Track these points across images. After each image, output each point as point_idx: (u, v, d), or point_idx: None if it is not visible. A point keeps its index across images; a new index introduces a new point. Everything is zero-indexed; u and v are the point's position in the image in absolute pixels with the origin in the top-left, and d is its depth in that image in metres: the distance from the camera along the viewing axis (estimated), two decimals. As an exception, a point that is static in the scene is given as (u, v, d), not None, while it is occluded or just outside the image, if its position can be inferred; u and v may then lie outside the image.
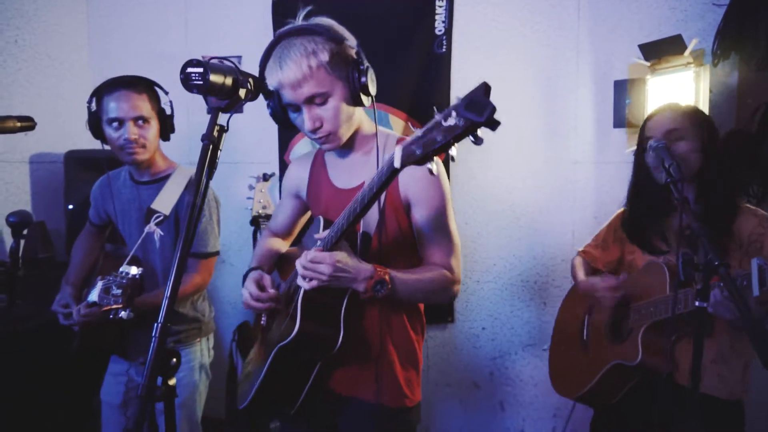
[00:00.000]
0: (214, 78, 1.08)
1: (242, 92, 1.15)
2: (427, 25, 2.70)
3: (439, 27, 2.70)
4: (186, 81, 1.07)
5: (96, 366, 2.12)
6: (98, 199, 2.08)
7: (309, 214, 1.74)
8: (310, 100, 1.31)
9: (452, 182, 2.64)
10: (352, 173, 1.47)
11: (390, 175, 1.06)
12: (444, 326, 2.87)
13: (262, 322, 1.64)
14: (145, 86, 1.87)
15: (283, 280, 1.61)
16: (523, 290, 2.79)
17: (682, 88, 2.21)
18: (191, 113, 2.89)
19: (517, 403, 2.85)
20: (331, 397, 1.49)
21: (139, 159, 1.87)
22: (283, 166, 2.88)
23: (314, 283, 1.23)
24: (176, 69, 1.09)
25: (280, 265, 1.70)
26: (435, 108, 0.96)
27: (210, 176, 1.08)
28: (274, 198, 2.39)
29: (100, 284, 1.66)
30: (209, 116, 1.12)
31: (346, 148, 1.45)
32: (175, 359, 1.03)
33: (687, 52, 2.17)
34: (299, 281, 1.25)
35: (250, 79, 1.18)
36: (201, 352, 2.05)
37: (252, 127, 2.80)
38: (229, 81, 1.12)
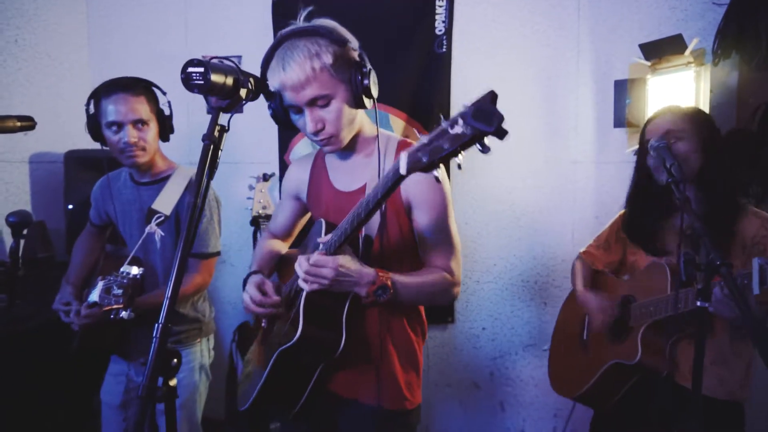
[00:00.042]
0: (215, 78, 1.08)
1: (243, 92, 1.15)
2: (427, 25, 2.70)
3: (440, 27, 2.70)
4: (187, 81, 1.07)
5: (96, 366, 2.12)
6: (99, 199, 2.08)
7: (308, 215, 1.73)
8: (313, 102, 1.31)
9: (452, 182, 2.64)
10: (353, 176, 1.47)
11: (396, 182, 1.06)
12: (444, 326, 2.87)
13: (262, 325, 1.64)
14: (143, 88, 1.87)
15: (283, 281, 1.61)
16: (523, 290, 2.79)
17: (682, 87, 2.21)
18: (191, 113, 2.89)
19: (517, 404, 2.85)
20: (332, 399, 1.49)
21: (139, 162, 1.87)
22: (283, 166, 2.88)
23: (315, 286, 1.23)
24: (176, 69, 1.09)
25: (280, 267, 1.70)
26: (441, 116, 0.95)
27: (211, 176, 1.08)
28: (274, 198, 2.38)
29: (100, 284, 1.66)
30: (209, 116, 1.11)
31: (347, 150, 1.44)
32: (175, 360, 1.03)
33: (687, 52, 2.17)
34: (301, 284, 1.25)
35: (251, 79, 1.18)
36: (201, 352, 2.05)
37: (252, 128, 2.79)
38: (230, 81, 1.12)
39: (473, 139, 0.87)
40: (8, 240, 2.29)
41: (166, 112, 1.93)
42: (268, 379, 1.42)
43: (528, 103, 2.68)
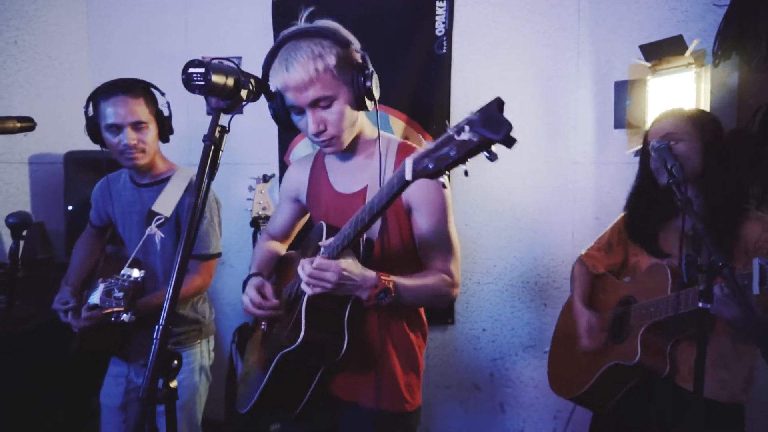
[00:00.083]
0: (216, 78, 1.08)
1: (244, 93, 1.15)
2: (427, 26, 2.70)
3: (440, 28, 2.70)
4: (188, 81, 1.07)
5: (95, 367, 2.11)
6: (99, 201, 2.08)
7: (307, 217, 1.73)
8: (315, 104, 1.30)
9: (452, 183, 2.64)
10: (353, 178, 1.47)
11: (401, 188, 1.05)
12: (444, 328, 2.87)
13: (262, 327, 1.64)
14: (142, 89, 1.86)
15: (282, 283, 1.60)
16: (523, 291, 2.79)
17: (682, 89, 2.21)
18: (191, 114, 2.88)
19: (517, 405, 2.85)
20: (332, 402, 1.49)
21: (139, 163, 1.87)
22: (283, 167, 2.88)
23: (318, 290, 1.23)
24: (176, 69, 1.09)
25: (279, 268, 1.70)
26: (447, 122, 0.95)
27: (211, 177, 1.08)
28: (274, 199, 2.38)
29: (101, 287, 1.66)
30: (209, 117, 1.11)
31: (348, 152, 1.44)
32: (176, 361, 1.03)
33: (688, 53, 2.17)
34: (304, 287, 1.24)
35: (252, 80, 1.17)
36: (201, 354, 2.04)
37: (252, 129, 2.79)
38: (230, 81, 1.12)
39: (480, 146, 0.87)
40: (8, 241, 2.29)
41: (166, 113, 1.93)
42: (269, 382, 1.42)
43: (528, 103, 2.68)
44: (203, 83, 1.07)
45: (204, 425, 2.10)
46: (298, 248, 1.70)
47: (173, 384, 1.03)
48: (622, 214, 1.88)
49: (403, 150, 1.44)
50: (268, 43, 1.35)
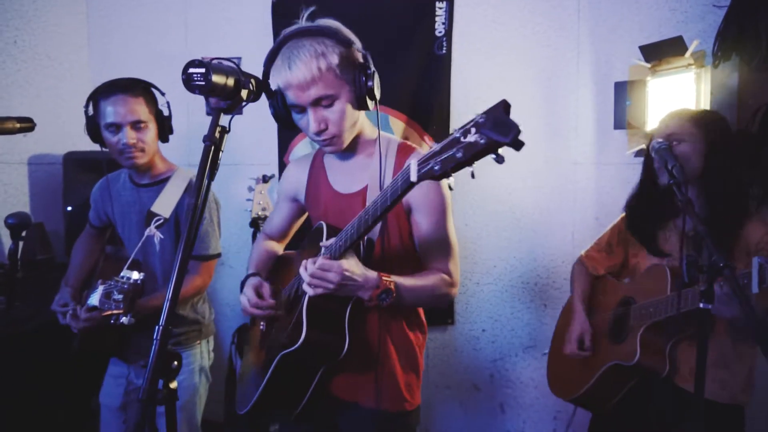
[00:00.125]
0: (217, 78, 1.07)
1: (244, 93, 1.14)
2: (427, 27, 2.70)
3: (439, 28, 2.70)
4: (188, 81, 1.07)
5: (95, 367, 2.11)
6: (98, 201, 2.07)
7: (304, 217, 1.73)
8: (317, 102, 1.30)
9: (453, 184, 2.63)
10: (352, 177, 1.47)
11: (406, 189, 1.05)
12: (444, 328, 2.86)
13: (261, 327, 1.63)
14: (142, 89, 1.86)
15: (281, 283, 1.60)
16: (523, 292, 2.79)
17: (682, 89, 2.21)
18: (191, 114, 2.88)
19: (517, 406, 2.84)
20: (332, 402, 1.49)
21: (138, 163, 1.87)
22: (283, 167, 2.87)
23: (320, 290, 1.22)
24: (176, 70, 1.09)
25: (277, 268, 1.69)
26: (449, 125, 0.95)
27: (212, 178, 1.08)
28: (273, 200, 2.38)
29: (101, 288, 1.66)
30: (209, 117, 1.11)
31: (347, 151, 1.44)
32: (176, 362, 1.02)
33: (688, 54, 2.17)
34: (305, 288, 1.24)
35: (252, 80, 1.17)
36: (201, 354, 2.04)
37: (251, 129, 2.79)
38: (231, 82, 1.11)
39: (487, 149, 0.87)
40: (7, 242, 2.29)
41: (165, 112, 1.92)
42: (269, 382, 1.42)
43: (528, 103, 2.68)
44: (203, 83, 1.06)
45: (203, 426, 2.10)
46: (295, 248, 1.70)
47: (173, 385, 1.03)
48: (621, 215, 1.88)
49: (403, 150, 1.44)
50: (268, 43, 1.35)
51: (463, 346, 2.87)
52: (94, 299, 1.67)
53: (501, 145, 0.85)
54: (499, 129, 0.84)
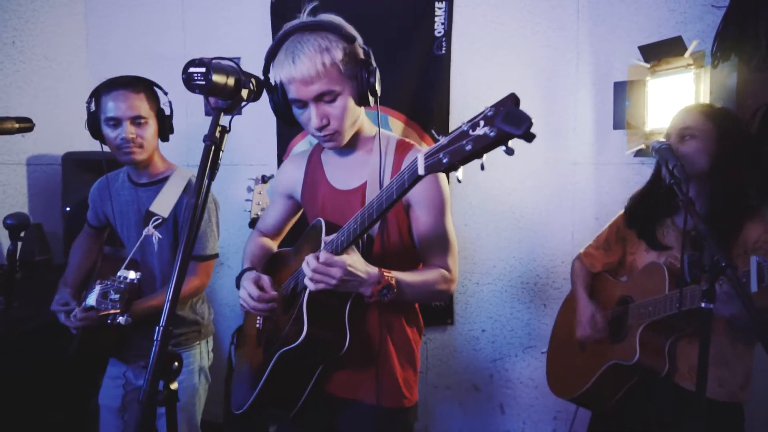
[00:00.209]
0: (217, 78, 1.07)
1: (244, 93, 1.14)
2: (426, 27, 2.70)
3: (439, 29, 2.70)
4: (188, 81, 1.06)
5: (94, 368, 2.10)
6: (96, 200, 2.07)
7: (299, 215, 1.72)
8: (320, 98, 1.30)
9: (451, 183, 2.63)
10: (351, 174, 1.46)
11: (413, 182, 1.05)
12: (444, 328, 2.86)
13: (257, 325, 1.63)
14: (144, 86, 1.86)
15: (276, 281, 1.59)
16: (522, 292, 2.79)
17: (681, 89, 2.21)
18: (190, 114, 2.87)
19: (517, 406, 2.84)
20: (331, 401, 1.48)
21: (136, 159, 1.86)
22: (282, 167, 2.87)
23: (322, 285, 1.22)
24: (174, 70, 1.08)
25: (272, 266, 1.67)
26: (464, 122, 0.95)
27: (212, 177, 1.07)
28: (273, 200, 2.38)
29: (97, 288, 1.65)
30: (208, 118, 1.11)
31: (346, 148, 1.44)
32: (176, 363, 1.02)
33: (687, 54, 2.18)
34: (307, 282, 1.23)
35: (253, 80, 1.17)
36: (200, 355, 2.04)
37: (251, 129, 2.79)
38: (231, 81, 1.11)
39: (497, 141, 0.87)
40: (5, 242, 2.28)
41: (167, 111, 1.92)
42: (267, 381, 1.41)
43: (527, 103, 2.63)
44: (204, 83, 1.06)
45: (203, 427, 2.10)
46: (287, 246, 1.69)
47: (174, 386, 1.03)
48: (619, 213, 1.88)
49: (402, 147, 1.44)
50: (267, 43, 1.34)
51: (462, 347, 2.87)
52: (91, 299, 1.67)
53: (512, 137, 0.85)
54: (510, 121, 0.84)
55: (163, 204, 1.91)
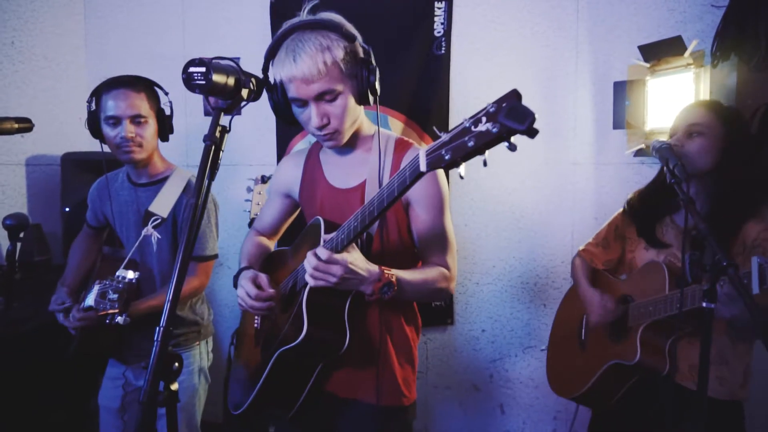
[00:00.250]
0: (217, 78, 1.07)
1: (244, 92, 1.14)
2: (425, 27, 2.70)
3: (438, 29, 2.70)
4: (188, 80, 1.06)
5: (93, 368, 2.10)
6: (96, 200, 2.07)
7: (296, 214, 1.72)
8: (321, 97, 1.29)
9: (451, 183, 2.63)
10: (350, 172, 1.46)
11: (414, 179, 1.05)
12: (444, 328, 2.86)
13: (255, 325, 1.62)
14: (144, 85, 1.86)
15: (273, 280, 1.58)
16: (522, 292, 2.79)
17: (681, 89, 2.21)
18: (188, 115, 2.87)
19: (517, 406, 2.84)
20: (330, 400, 1.48)
21: (136, 158, 1.86)
22: (282, 167, 2.87)
23: (322, 283, 1.21)
24: (174, 71, 1.08)
25: (269, 266, 1.67)
26: (465, 118, 0.95)
27: (212, 177, 1.07)
28: (273, 200, 2.37)
29: (96, 288, 1.65)
30: (207, 118, 1.10)
31: (345, 147, 1.44)
32: (177, 364, 1.02)
33: (687, 54, 2.18)
34: (307, 278, 1.23)
35: (253, 79, 1.17)
36: (200, 355, 2.03)
37: (250, 129, 2.79)
38: (231, 81, 1.11)
39: (500, 137, 0.87)
40: (4, 243, 2.28)
41: (167, 111, 1.92)
42: (266, 381, 1.41)
43: (527, 103, 2.63)
44: (204, 82, 1.06)
45: (202, 427, 2.09)
46: (284, 245, 1.68)
47: (174, 386, 1.02)
48: (619, 210, 1.88)
49: (401, 146, 1.44)
50: (267, 43, 1.34)
51: (462, 347, 2.86)
52: (90, 299, 1.67)
53: (515, 133, 0.85)
54: (513, 116, 0.83)
55: (163, 204, 1.90)
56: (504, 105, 0.86)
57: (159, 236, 1.90)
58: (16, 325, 2.24)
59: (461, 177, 0.95)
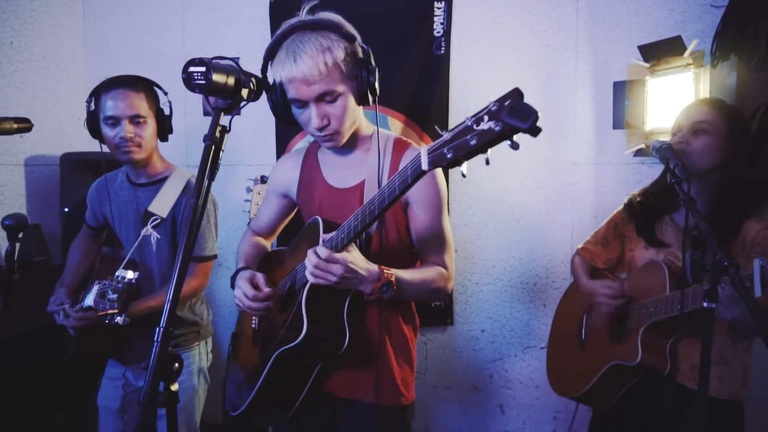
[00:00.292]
0: (217, 77, 1.07)
1: (244, 92, 1.14)
2: (425, 27, 2.69)
3: (438, 29, 2.70)
4: (188, 80, 1.06)
5: (92, 369, 2.10)
6: (95, 200, 2.06)
7: (293, 215, 1.71)
8: (321, 98, 1.29)
9: (451, 183, 2.63)
10: (349, 172, 1.46)
11: (416, 178, 1.05)
12: (443, 328, 2.86)
13: (253, 325, 1.62)
14: (144, 85, 1.86)
15: (270, 280, 1.58)
16: (522, 292, 2.78)
17: (681, 89, 2.21)
18: (188, 115, 2.86)
19: (517, 406, 2.84)
20: (329, 400, 1.48)
21: (135, 158, 1.86)
22: (281, 168, 2.87)
23: (321, 281, 1.21)
24: (173, 71, 1.08)
25: (267, 266, 1.66)
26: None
27: (212, 177, 1.07)
28: (272, 200, 2.37)
29: (95, 288, 1.65)
30: (207, 118, 1.10)
31: (344, 147, 1.43)
32: (177, 364, 1.01)
33: (686, 54, 2.18)
34: (307, 275, 1.22)
35: (253, 79, 1.17)
36: (200, 356, 2.03)
37: (250, 129, 2.78)
38: (231, 81, 1.11)
39: (502, 135, 0.86)
40: (3, 243, 2.27)
41: (166, 111, 1.92)
42: (266, 381, 1.40)
43: (528, 103, 2.67)
44: (204, 82, 1.06)
45: (202, 428, 2.09)
46: (281, 245, 1.68)
47: (174, 387, 1.02)
48: (618, 209, 1.88)
49: (400, 146, 1.43)
50: (266, 43, 1.33)
51: (462, 347, 2.86)
52: (89, 300, 1.67)
53: (518, 131, 0.85)
54: (516, 114, 0.83)
55: (162, 204, 1.90)
56: (506, 103, 0.85)
57: (158, 236, 1.89)
58: (16, 325, 2.24)
59: (463, 175, 0.95)
